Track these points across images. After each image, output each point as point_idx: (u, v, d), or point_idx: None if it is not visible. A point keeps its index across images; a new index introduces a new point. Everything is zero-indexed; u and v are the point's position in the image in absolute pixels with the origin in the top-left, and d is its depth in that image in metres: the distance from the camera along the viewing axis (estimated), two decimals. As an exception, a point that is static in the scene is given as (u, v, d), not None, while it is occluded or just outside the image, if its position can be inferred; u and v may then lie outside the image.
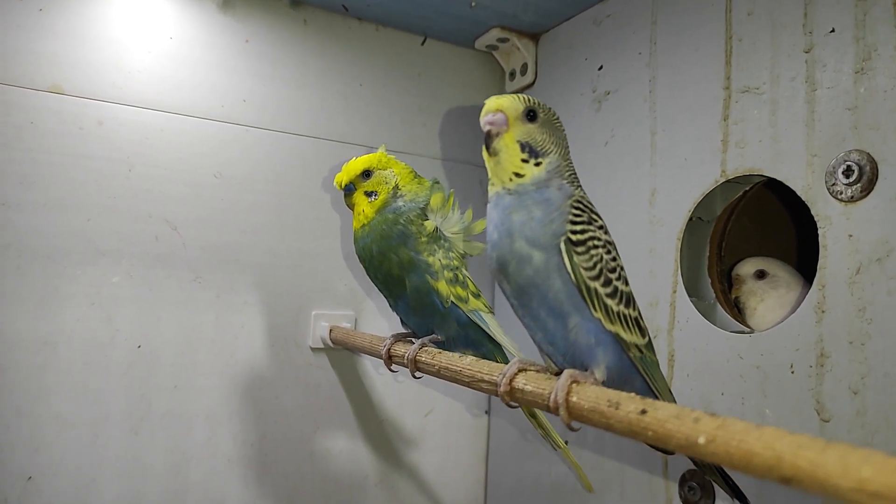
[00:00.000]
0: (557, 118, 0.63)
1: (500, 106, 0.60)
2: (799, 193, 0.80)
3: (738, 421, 0.42)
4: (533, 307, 0.59)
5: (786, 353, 0.79)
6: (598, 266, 0.57)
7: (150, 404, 1.05)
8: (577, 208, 0.58)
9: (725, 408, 0.85)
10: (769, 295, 0.92)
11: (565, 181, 0.60)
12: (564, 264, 0.56)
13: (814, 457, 0.37)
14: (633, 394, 0.51)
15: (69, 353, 1.00)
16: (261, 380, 1.13)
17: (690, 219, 0.95)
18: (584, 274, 0.56)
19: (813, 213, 0.78)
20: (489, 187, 0.63)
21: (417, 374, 0.84)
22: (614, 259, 0.59)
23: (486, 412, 1.34)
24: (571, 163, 0.62)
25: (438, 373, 0.78)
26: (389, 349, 0.91)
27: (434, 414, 1.28)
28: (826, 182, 0.77)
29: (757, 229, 1.05)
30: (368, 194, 0.88)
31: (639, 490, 0.98)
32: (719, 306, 0.96)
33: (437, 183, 0.91)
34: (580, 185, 0.63)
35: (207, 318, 1.10)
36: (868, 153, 0.73)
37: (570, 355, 0.60)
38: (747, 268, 0.95)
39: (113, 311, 1.03)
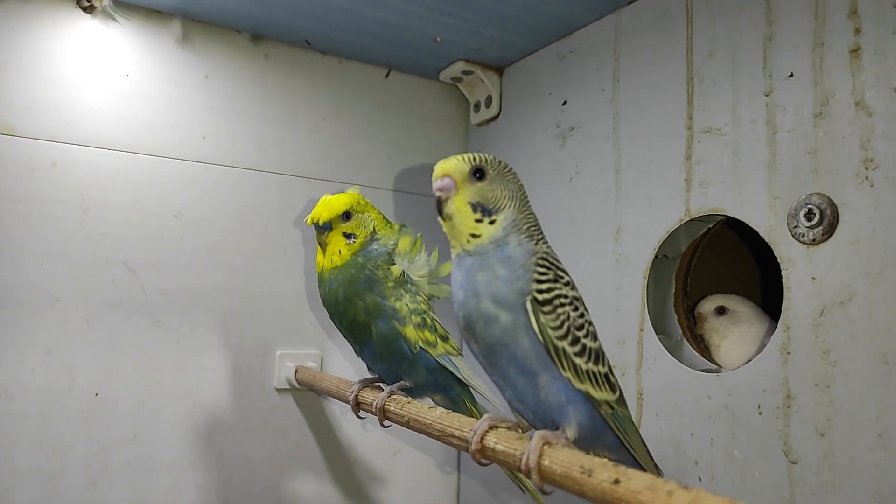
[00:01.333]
0: (509, 170, 0.62)
1: (445, 170, 0.60)
2: (762, 234, 0.81)
3: (711, 496, 0.42)
4: (502, 366, 0.59)
5: (753, 394, 0.80)
6: (566, 325, 0.57)
7: (110, 455, 1.01)
8: (541, 265, 0.57)
9: (695, 448, 0.86)
10: (731, 331, 0.93)
11: (524, 236, 0.59)
12: (531, 324, 0.55)
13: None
14: (605, 460, 0.50)
15: (25, 404, 0.96)
16: (225, 425, 1.10)
17: (656, 256, 0.95)
18: (552, 333, 0.56)
19: (776, 254, 0.79)
20: (451, 248, 0.62)
21: (386, 423, 0.83)
22: (582, 315, 0.59)
23: (457, 468, 1.32)
24: (531, 213, 0.62)
25: (408, 424, 0.77)
26: (357, 396, 0.89)
27: (402, 453, 1.26)
28: (788, 224, 0.78)
29: (721, 265, 1.06)
30: (347, 236, 0.86)
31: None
32: (686, 343, 0.97)
33: (405, 227, 0.90)
34: (542, 238, 0.62)
35: (168, 362, 1.06)
36: (828, 196, 0.74)
37: (541, 413, 0.59)
38: (708, 305, 0.96)
39: (70, 359, 0.99)
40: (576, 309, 0.58)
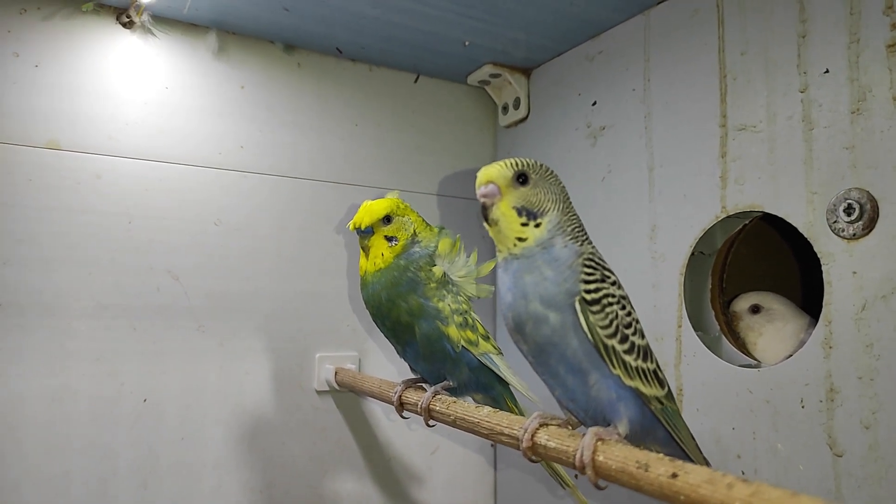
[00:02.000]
0: (551, 173, 0.64)
1: (489, 176, 0.61)
2: (801, 230, 0.81)
3: (773, 488, 0.43)
4: (552, 365, 0.60)
5: (795, 388, 0.81)
6: (615, 323, 0.58)
7: (158, 457, 1.04)
8: (588, 266, 0.59)
9: (737, 443, 0.86)
10: (766, 329, 0.93)
11: (569, 237, 0.60)
12: (580, 324, 0.57)
13: (854, 529, 0.37)
14: (661, 455, 0.52)
15: (76, 409, 0.99)
16: (267, 426, 1.13)
17: (692, 253, 0.96)
18: (601, 332, 0.57)
19: (816, 249, 0.80)
20: (497, 252, 0.63)
21: (431, 422, 0.84)
22: (629, 314, 0.60)
23: (493, 465, 1.34)
24: (574, 215, 0.63)
25: (454, 423, 0.78)
26: (401, 396, 0.91)
27: (441, 451, 1.28)
28: (828, 219, 0.78)
29: (758, 260, 1.06)
30: (389, 239, 0.88)
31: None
32: (724, 339, 0.97)
33: (444, 229, 0.92)
34: (587, 238, 0.63)
35: (212, 366, 1.09)
36: (868, 191, 0.75)
37: (592, 410, 0.61)
38: (742, 304, 0.97)
39: (118, 365, 1.02)
40: (623, 307, 0.60)
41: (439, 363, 0.87)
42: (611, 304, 0.58)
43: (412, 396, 0.89)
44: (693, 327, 0.95)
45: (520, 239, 0.60)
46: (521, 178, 0.61)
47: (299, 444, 1.15)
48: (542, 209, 0.60)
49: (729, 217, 0.91)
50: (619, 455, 0.54)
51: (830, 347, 0.77)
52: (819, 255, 0.79)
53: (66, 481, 0.97)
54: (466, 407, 0.77)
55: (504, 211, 0.60)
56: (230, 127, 1.14)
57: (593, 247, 0.63)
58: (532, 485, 1.24)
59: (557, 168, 1.19)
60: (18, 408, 0.96)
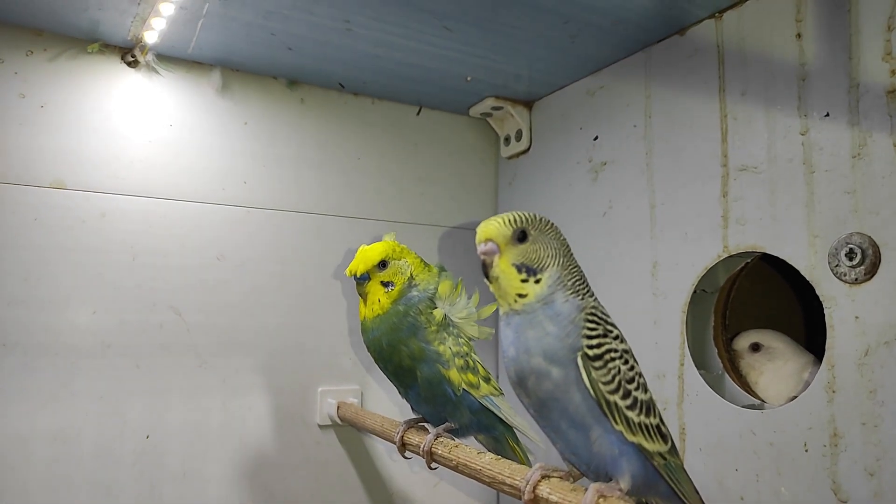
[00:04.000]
0: (551, 226, 0.64)
1: (488, 234, 0.61)
2: (803, 273, 0.81)
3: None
4: (554, 419, 0.60)
5: (799, 431, 0.80)
6: (617, 379, 0.58)
7: (161, 494, 1.04)
8: (590, 321, 0.59)
9: (740, 485, 0.86)
10: (766, 367, 0.93)
11: (570, 292, 0.60)
12: (583, 379, 0.57)
13: None
14: (662, 515, 0.51)
15: (80, 447, 0.99)
16: (270, 462, 1.12)
17: (694, 291, 0.96)
18: (603, 388, 0.57)
19: (818, 293, 0.79)
20: (499, 307, 0.64)
21: (433, 465, 0.84)
22: (632, 368, 0.60)
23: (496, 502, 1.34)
24: (576, 267, 0.63)
25: (456, 468, 0.78)
26: (403, 437, 0.91)
27: (443, 486, 1.27)
28: (829, 263, 0.78)
29: (760, 298, 1.06)
30: (385, 284, 0.88)
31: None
32: (728, 378, 0.97)
33: (445, 270, 0.92)
34: (588, 291, 0.63)
35: (214, 403, 1.09)
36: (870, 236, 0.75)
37: (594, 465, 0.61)
38: (742, 342, 0.96)
39: (121, 404, 1.02)
40: (626, 362, 0.60)
41: (441, 406, 0.87)
42: (613, 359, 0.58)
43: (414, 438, 0.89)
44: (696, 365, 0.95)
45: (520, 295, 0.60)
46: (521, 236, 0.61)
47: (302, 479, 1.15)
48: (541, 265, 0.60)
49: (731, 256, 0.91)
50: (621, 514, 0.54)
51: (834, 392, 0.77)
52: (821, 299, 0.79)
53: (69, 521, 0.97)
54: (468, 452, 0.77)
55: (504, 268, 0.60)
56: (233, 163, 1.15)
57: (595, 300, 0.63)
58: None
59: (559, 201, 1.20)
60: (21, 447, 0.96)
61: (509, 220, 0.61)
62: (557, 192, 1.22)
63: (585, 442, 0.59)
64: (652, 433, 0.60)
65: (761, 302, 1.06)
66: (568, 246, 0.64)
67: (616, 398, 0.58)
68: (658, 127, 1.03)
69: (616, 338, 0.60)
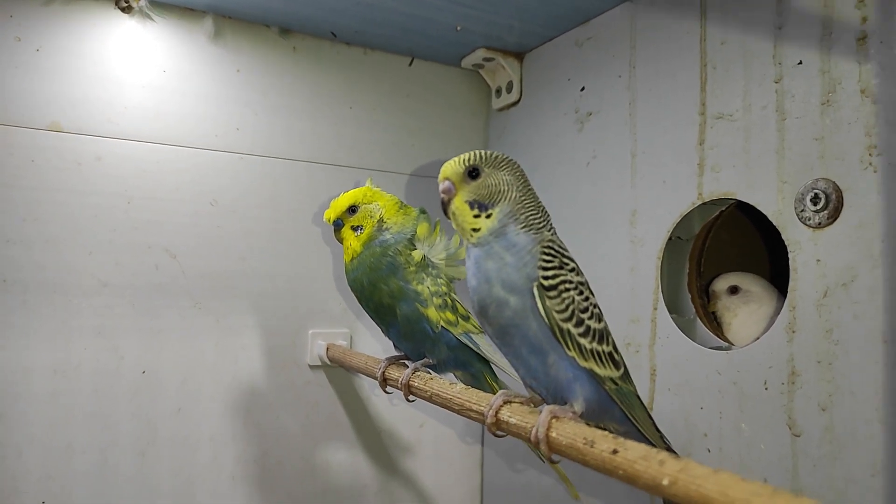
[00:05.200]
0: (507, 163, 0.66)
1: (445, 174, 0.66)
2: (770, 218, 0.84)
3: (699, 466, 0.46)
4: (515, 346, 0.64)
5: (760, 371, 0.83)
6: (571, 308, 0.61)
7: (157, 428, 1.09)
8: (546, 253, 0.62)
9: (704, 422, 0.90)
10: (741, 310, 0.96)
11: (521, 225, 0.63)
12: (538, 308, 0.60)
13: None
14: (606, 432, 0.55)
15: (78, 382, 1.04)
16: (262, 400, 1.17)
17: (670, 238, 0.98)
18: (557, 317, 0.60)
19: (784, 237, 0.82)
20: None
21: (411, 397, 0.88)
22: (587, 299, 0.63)
23: (481, 441, 1.38)
24: (532, 202, 0.65)
25: (430, 399, 0.82)
26: (384, 372, 0.95)
27: (428, 425, 1.32)
28: (795, 208, 0.81)
29: (734, 245, 1.08)
30: (355, 228, 0.91)
31: (624, 496, 1.02)
32: (699, 322, 1.00)
33: (424, 213, 0.95)
34: (546, 225, 0.66)
35: (208, 342, 1.14)
36: (834, 182, 0.77)
37: (552, 389, 0.64)
38: (721, 284, 0.99)
39: (118, 340, 1.07)
40: (581, 293, 0.63)
41: (420, 342, 0.91)
42: (567, 289, 0.61)
43: (394, 373, 0.93)
44: (669, 310, 0.98)
45: (474, 230, 0.63)
46: (473, 173, 0.64)
47: (292, 416, 1.20)
48: (492, 200, 0.64)
49: (705, 204, 0.94)
50: (569, 432, 0.58)
51: (793, 332, 0.80)
52: (786, 243, 0.82)
53: (69, 451, 1.03)
54: (441, 384, 0.81)
55: (458, 205, 0.64)
56: (226, 110, 1.17)
57: (553, 233, 0.66)
58: (515, 457, 1.28)
59: (546, 152, 1.22)
60: (23, 380, 1.01)
61: (463, 160, 0.64)
62: (545, 143, 1.24)
63: (543, 367, 0.63)
64: (604, 359, 0.63)
65: (735, 250, 1.08)
66: (526, 181, 0.67)
67: (569, 326, 0.61)
68: (642, 77, 1.05)
69: (572, 270, 0.63)
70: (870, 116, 0.74)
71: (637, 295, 1.02)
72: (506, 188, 0.64)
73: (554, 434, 0.59)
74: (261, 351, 1.18)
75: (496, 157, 0.65)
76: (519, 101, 1.33)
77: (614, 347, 0.65)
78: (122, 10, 1.10)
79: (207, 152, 1.15)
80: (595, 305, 0.64)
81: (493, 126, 1.41)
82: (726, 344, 0.95)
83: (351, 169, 1.28)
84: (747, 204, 0.88)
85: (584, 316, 0.62)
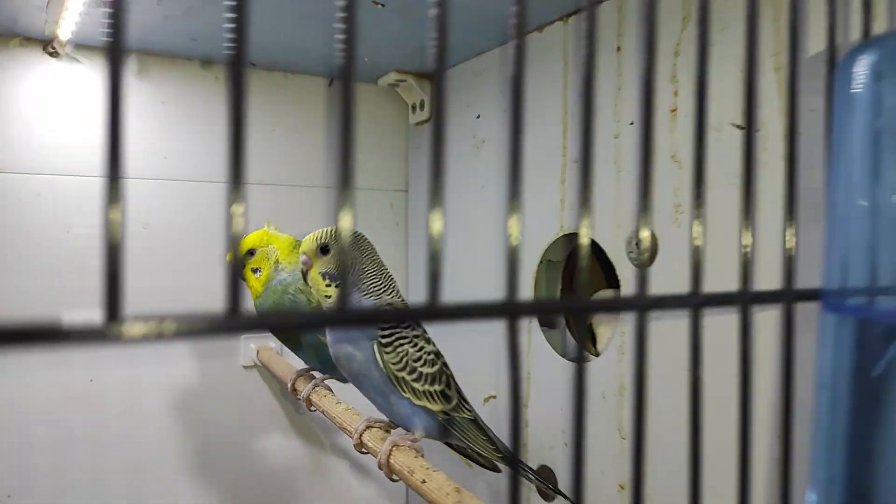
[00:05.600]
0: (356, 238, 0.80)
1: (303, 249, 0.80)
2: (609, 255, 0.98)
3: (473, 497, 0.62)
4: (364, 388, 0.79)
5: (600, 382, 1.00)
6: (405, 359, 0.76)
7: (108, 427, 1.25)
8: (386, 318, 0.76)
9: (564, 421, 1.06)
10: (608, 325, 1.12)
11: (363, 293, 0.78)
12: (378, 361, 0.75)
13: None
14: (424, 463, 0.71)
15: (34, 400, 1.19)
16: (200, 398, 1.33)
17: (541, 262, 1.13)
18: (393, 367, 0.75)
19: (618, 272, 0.97)
20: None
21: (312, 408, 1.04)
22: (420, 349, 0.78)
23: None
24: (376, 272, 0.79)
25: (324, 413, 0.98)
26: (294, 383, 1.10)
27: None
28: (626, 249, 0.95)
29: (596, 272, 1.23)
30: (254, 270, 1.05)
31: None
32: (568, 335, 1.16)
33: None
34: (388, 291, 0.80)
35: (148, 350, 1.28)
36: (653, 231, 0.91)
37: (397, 420, 0.80)
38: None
39: (66, 354, 1.21)
40: (414, 345, 0.78)
41: (324, 363, 1.06)
42: (402, 344, 0.76)
43: (300, 385, 1.08)
44: (541, 324, 1.14)
45: (327, 296, 0.78)
46: (324, 249, 0.78)
47: (229, 411, 1.36)
48: (338, 273, 0.78)
49: (565, 235, 1.08)
50: (402, 460, 0.74)
51: (623, 353, 0.96)
52: (620, 278, 0.97)
53: (30, 448, 1.18)
54: (331, 402, 0.97)
55: (313, 275, 0.78)
56: (154, 140, 1.29)
57: (393, 296, 0.80)
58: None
59: (451, 170, 1.35)
60: (-18, 392, 1.16)
61: (316, 237, 0.78)
62: (451, 162, 1.37)
63: (387, 405, 0.78)
64: (436, 397, 0.78)
65: (598, 276, 1.23)
66: (371, 254, 0.81)
67: (404, 374, 0.76)
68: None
69: (407, 327, 0.78)
70: (676, 179, 0.88)
71: (516, 309, 1.17)
72: (351, 262, 0.78)
73: (392, 461, 0.75)
74: (198, 355, 1.33)
75: (347, 234, 0.79)
76: (430, 118, 1.45)
77: (447, 384, 0.80)
78: (50, 55, 1.20)
79: (139, 181, 1.27)
80: (430, 353, 0.79)
81: (412, 139, 1.53)
82: (586, 354, 1.11)
83: (280, 187, 1.40)
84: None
85: (417, 364, 0.77)
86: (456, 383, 0.83)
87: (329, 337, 0.79)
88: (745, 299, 0.41)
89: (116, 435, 1.25)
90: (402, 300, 0.80)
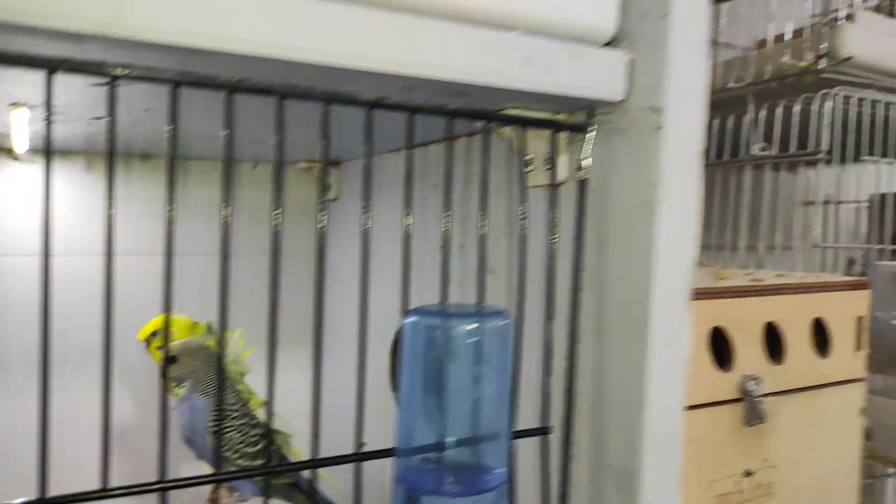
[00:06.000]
0: (199, 349, 1.07)
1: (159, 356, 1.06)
2: (430, 347, 1.23)
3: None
4: (206, 459, 1.06)
5: (425, 446, 1.25)
6: (231, 443, 1.03)
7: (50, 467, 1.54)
8: (214, 411, 1.03)
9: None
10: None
11: (199, 393, 1.05)
12: (208, 445, 1.02)
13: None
14: (234, 523, 0.97)
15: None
16: (137, 428, 1.61)
17: (397, 339, 1.38)
18: (221, 450, 1.02)
19: (434, 362, 1.22)
20: None
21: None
22: (244, 434, 1.04)
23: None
24: (213, 377, 1.06)
25: (204, 464, 1.25)
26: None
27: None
28: (439, 344, 1.20)
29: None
30: (160, 349, 1.32)
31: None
32: (419, 398, 1.41)
33: (210, 328, 1.34)
34: (224, 388, 1.06)
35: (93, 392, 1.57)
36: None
37: (232, 485, 1.07)
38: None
39: (25, 402, 1.51)
40: (240, 431, 1.04)
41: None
42: (228, 431, 1.03)
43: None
44: (394, 389, 1.39)
45: (175, 394, 1.04)
46: (171, 360, 1.04)
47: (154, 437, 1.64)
48: (182, 377, 1.04)
49: (411, 322, 1.33)
50: (227, 516, 1.01)
51: (435, 427, 1.21)
52: (435, 366, 1.21)
53: (-7, 475, 1.48)
54: (207, 457, 1.23)
55: (168, 377, 1.05)
56: (100, 223, 1.56)
57: (227, 394, 1.06)
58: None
59: (354, 244, 1.60)
60: (-43, 430, 1.45)
61: (167, 349, 1.04)
62: (354, 237, 1.62)
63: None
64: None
65: None
66: (210, 362, 1.07)
67: (228, 454, 1.03)
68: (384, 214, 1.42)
69: (234, 419, 1.04)
70: (465, 297, 1.12)
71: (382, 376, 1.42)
72: (194, 370, 1.05)
73: (220, 515, 1.02)
74: (131, 391, 1.61)
75: (190, 346, 1.06)
76: (337, 198, 1.70)
77: (268, 459, 1.06)
78: (13, 158, 1.48)
79: (90, 257, 1.56)
80: (253, 436, 1.06)
81: (329, 213, 1.79)
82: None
83: (206, 256, 1.67)
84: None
85: (241, 446, 1.04)
86: (284, 453, 1.09)
87: (178, 418, 1.06)
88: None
89: (59, 476, 1.54)
90: (236, 394, 1.07)
